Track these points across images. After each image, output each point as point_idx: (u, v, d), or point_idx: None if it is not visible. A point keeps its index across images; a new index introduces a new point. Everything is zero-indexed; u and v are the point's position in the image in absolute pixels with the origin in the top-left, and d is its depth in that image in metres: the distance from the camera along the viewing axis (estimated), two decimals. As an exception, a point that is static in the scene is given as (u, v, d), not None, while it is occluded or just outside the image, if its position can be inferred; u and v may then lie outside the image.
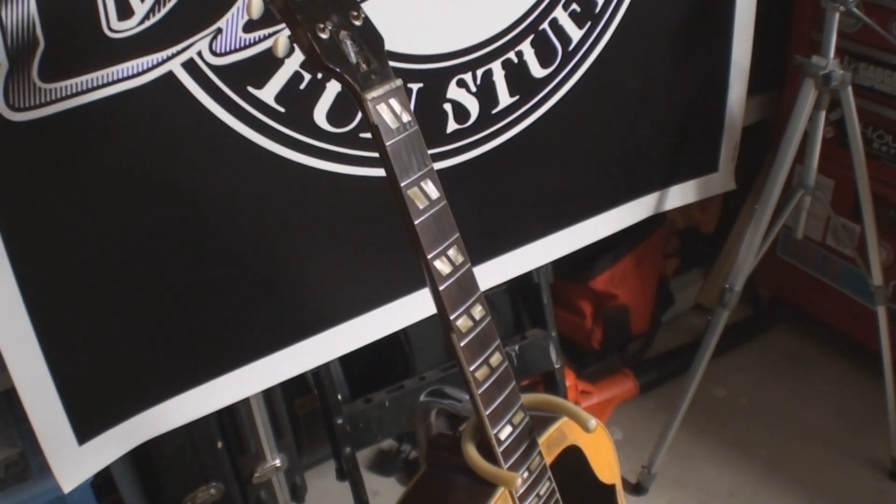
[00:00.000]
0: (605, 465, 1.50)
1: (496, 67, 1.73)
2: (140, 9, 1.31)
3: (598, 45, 1.85)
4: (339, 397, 1.95)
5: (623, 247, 2.65)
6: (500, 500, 1.25)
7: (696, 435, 2.55)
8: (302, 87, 1.52)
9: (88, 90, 1.32)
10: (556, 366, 2.24)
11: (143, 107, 1.38)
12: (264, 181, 1.56)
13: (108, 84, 1.33)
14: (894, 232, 2.39)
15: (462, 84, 1.71)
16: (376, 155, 1.08)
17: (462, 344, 1.16)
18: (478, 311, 1.18)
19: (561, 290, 2.67)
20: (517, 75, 1.77)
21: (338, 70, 1.01)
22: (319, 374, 1.92)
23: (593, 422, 1.31)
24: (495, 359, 1.21)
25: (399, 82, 1.07)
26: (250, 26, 1.41)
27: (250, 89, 1.47)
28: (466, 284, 1.16)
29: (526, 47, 1.75)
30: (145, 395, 1.61)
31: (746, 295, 2.24)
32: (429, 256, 1.11)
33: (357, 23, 1.05)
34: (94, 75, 1.31)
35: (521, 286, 2.21)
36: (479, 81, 1.72)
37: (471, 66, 1.70)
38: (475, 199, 1.83)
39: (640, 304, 2.78)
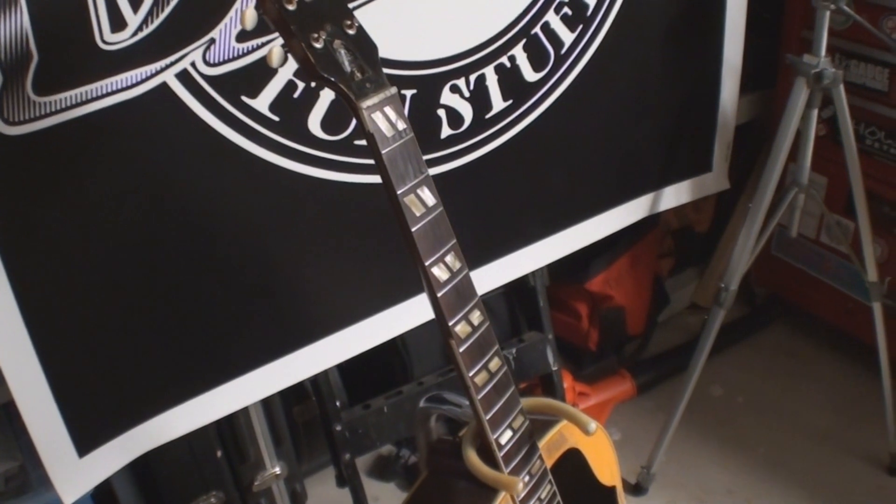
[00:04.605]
0: (606, 467, 1.50)
1: (489, 72, 1.74)
2: (133, 20, 1.31)
3: (591, 48, 1.85)
4: (338, 404, 1.95)
5: (618, 248, 2.65)
6: (502, 505, 1.26)
7: (694, 434, 2.55)
8: (296, 95, 1.52)
9: (83, 103, 1.32)
10: (554, 368, 2.25)
11: (137, 118, 1.38)
12: (259, 190, 1.56)
13: (103, 96, 1.33)
14: (888, 228, 2.40)
15: (455, 89, 1.71)
16: (371, 162, 1.08)
17: (461, 350, 1.16)
18: (476, 317, 1.18)
19: (557, 293, 2.67)
20: (510, 80, 1.77)
21: (333, 79, 1.01)
22: (317, 382, 1.92)
23: (593, 424, 1.32)
24: (494, 363, 1.21)
25: (394, 90, 1.08)
26: (243, 36, 1.41)
27: (244, 99, 1.47)
28: (464, 290, 1.16)
29: (518, 52, 1.75)
30: (144, 407, 1.61)
31: (742, 293, 2.24)
32: (426, 263, 1.11)
33: (351, 32, 1.05)
34: (88, 88, 1.32)
35: (517, 289, 2.21)
36: (472, 87, 1.73)
37: (464, 72, 1.71)
38: (470, 204, 1.83)
39: (636, 304, 2.79)
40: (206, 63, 1.41)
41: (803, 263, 2.72)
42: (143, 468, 1.94)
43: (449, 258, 1.14)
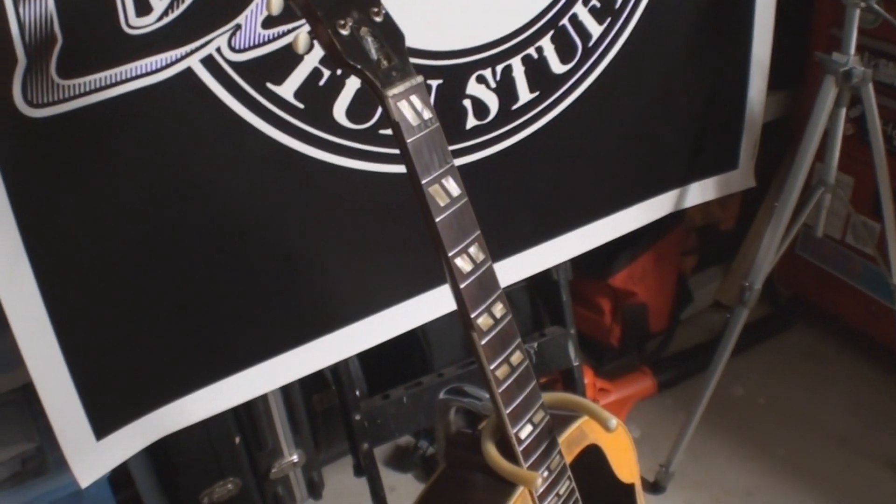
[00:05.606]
0: (625, 464, 1.49)
1: (516, 63, 1.73)
2: (158, 5, 1.31)
3: (618, 41, 1.84)
4: (357, 393, 1.95)
5: (642, 244, 2.63)
6: (520, 500, 1.25)
7: (713, 434, 2.54)
8: (321, 83, 1.51)
9: (106, 87, 1.31)
10: (575, 363, 2.23)
11: (161, 103, 1.37)
12: (283, 178, 1.56)
13: (127, 80, 1.33)
14: (915, 230, 2.37)
15: (482, 80, 1.70)
16: (396, 151, 1.07)
17: (483, 342, 1.15)
18: (499, 310, 1.17)
19: (580, 288, 2.66)
20: (537, 71, 1.76)
21: (359, 67, 1.01)
22: (337, 370, 1.91)
23: (614, 421, 1.31)
24: (516, 357, 1.21)
25: (420, 79, 1.07)
26: (269, 22, 1.41)
27: (269, 86, 1.47)
28: (487, 282, 1.15)
29: (546, 43, 1.74)
30: (163, 392, 1.61)
31: (765, 293, 2.22)
32: (450, 254, 1.10)
33: (377, 19, 1.04)
34: (112, 72, 1.31)
35: (540, 283, 2.20)
36: (498, 77, 1.72)
37: (491, 62, 1.70)
38: (494, 196, 1.83)
39: (659, 301, 2.77)
40: (232, 49, 1.40)
41: (828, 264, 2.70)
42: (160, 453, 1.94)
43: (472, 249, 1.13)
